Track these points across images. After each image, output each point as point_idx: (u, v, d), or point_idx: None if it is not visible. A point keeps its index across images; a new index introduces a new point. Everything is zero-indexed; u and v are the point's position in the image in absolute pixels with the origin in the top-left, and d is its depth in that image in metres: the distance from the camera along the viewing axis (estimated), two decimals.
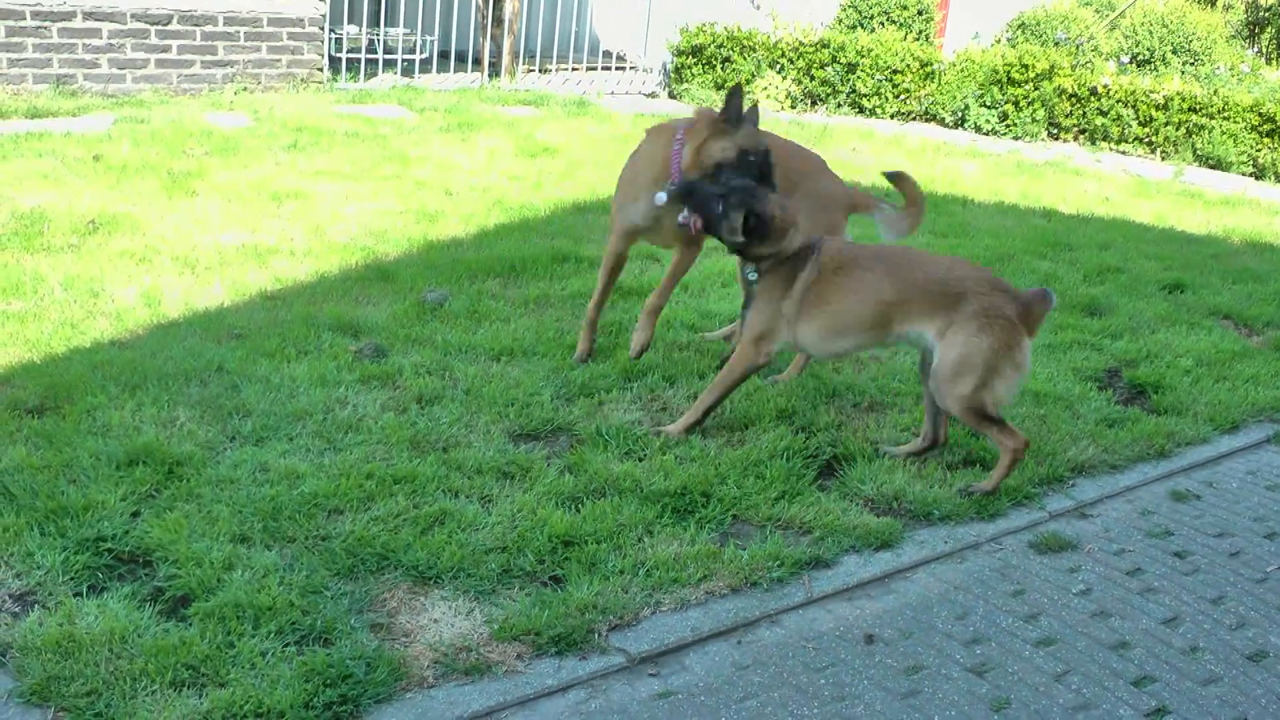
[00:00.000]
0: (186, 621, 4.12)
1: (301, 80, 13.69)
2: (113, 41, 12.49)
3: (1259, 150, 15.92)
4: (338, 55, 14.75)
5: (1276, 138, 15.88)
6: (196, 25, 12.86)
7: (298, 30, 13.54)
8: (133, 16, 12.52)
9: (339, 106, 13.04)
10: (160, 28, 12.68)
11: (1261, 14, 24.13)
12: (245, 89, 13.21)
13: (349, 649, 4.04)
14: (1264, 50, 23.49)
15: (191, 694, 3.78)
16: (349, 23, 15.15)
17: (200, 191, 9.25)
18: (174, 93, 12.78)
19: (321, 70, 13.96)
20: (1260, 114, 15.92)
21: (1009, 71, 16.78)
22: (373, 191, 9.85)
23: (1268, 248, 11.57)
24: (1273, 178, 15.84)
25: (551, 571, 4.67)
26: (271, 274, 7.64)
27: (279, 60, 13.48)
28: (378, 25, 15.45)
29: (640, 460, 5.59)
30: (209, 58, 13.01)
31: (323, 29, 13.92)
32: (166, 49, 12.77)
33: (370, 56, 15.09)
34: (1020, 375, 5.59)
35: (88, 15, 12.30)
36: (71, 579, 4.28)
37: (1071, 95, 16.77)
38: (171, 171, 9.65)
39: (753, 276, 5.85)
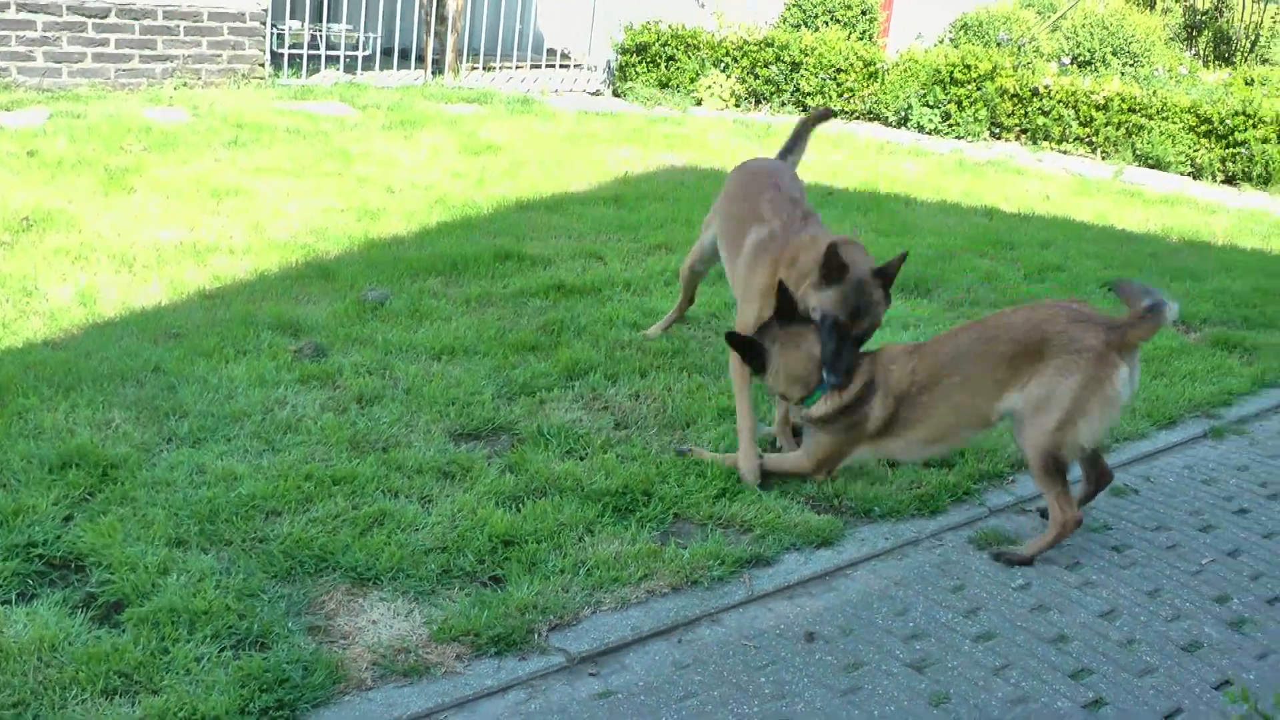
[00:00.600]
0: (119, 628, 4.05)
1: (243, 76, 13.59)
2: (48, 34, 12.33)
3: (1196, 150, 16.11)
4: (279, 51, 14.64)
5: (1213, 139, 16.08)
6: (135, 19, 12.72)
7: (239, 25, 13.43)
8: (69, 9, 12.37)
9: (280, 103, 12.95)
10: (97, 21, 12.53)
11: (1199, 18, 24.40)
12: (185, 84, 13.09)
13: (286, 652, 3.99)
14: (1201, 53, 23.74)
15: (124, 702, 3.71)
16: (291, 18, 15.03)
17: (138, 188, 9.16)
18: (111, 87, 12.64)
19: (263, 66, 13.86)
20: (1198, 115, 16.12)
21: (952, 71, 16.89)
22: (314, 189, 9.79)
23: (1205, 246, 11.70)
24: (1210, 177, 16.04)
25: (491, 571, 4.64)
26: (210, 272, 7.57)
27: (219, 55, 13.36)
28: (320, 21, 15.37)
29: (581, 459, 5.58)
30: (148, 52, 12.88)
31: (264, 24, 13.81)
32: (104, 43, 12.63)
33: (313, 52, 14.99)
34: (1112, 411, 5.19)
35: (21, 6, 12.14)
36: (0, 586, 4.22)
37: (1013, 95, 16.90)
38: (108, 168, 9.55)
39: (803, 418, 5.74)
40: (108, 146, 10.19)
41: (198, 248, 7.96)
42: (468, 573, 4.60)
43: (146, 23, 12.78)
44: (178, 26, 12.99)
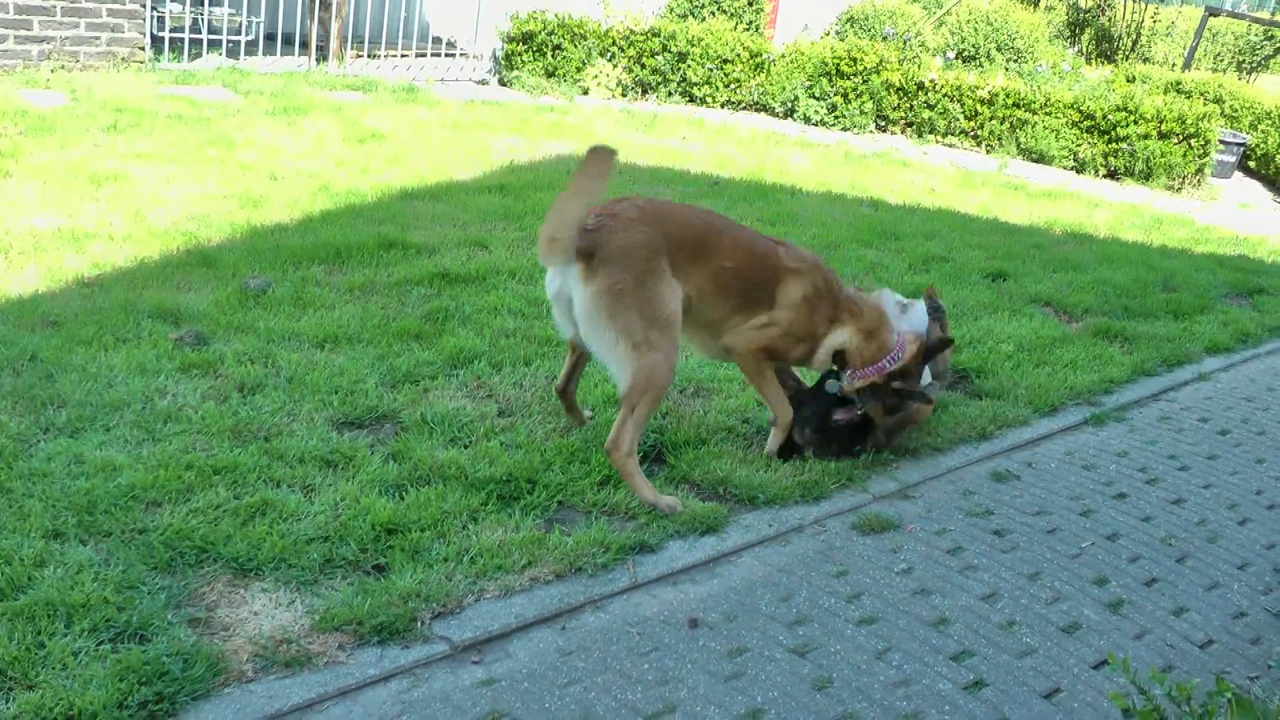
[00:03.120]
0: None
1: (122, 59, 13.31)
2: None
3: (1079, 145, 16.42)
4: (160, 34, 14.38)
5: (1096, 134, 16.40)
6: None
7: (118, 7, 13.14)
8: None
9: (162, 87, 12.73)
10: None
11: (1081, 15, 24.81)
12: (63, 67, 12.79)
13: (165, 645, 3.93)
14: (1084, 50, 24.15)
15: None
16: (172, 1, 14.78)
17: (13, 173, 8.95)
18: None
19: (143, 49, 13.58)
20: (1080, 111, 16.44)
21: (838, 64, 17.04)
22: (195, 175, 9.64)
23: (1087, 238, 11.93)
24: (1093, 172, 16.35)
25: (374, 560, 4.61)
26: (89, 259, 7.42)
27: (98, 38, 13.08)
28: (202, 4, 15.12)
29: (465, 447, 5.56)
30: (23, 33, 12.55)
31: (144, 6, 13.52)
32: None
33: (194, 36, 14.75)
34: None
35: None
36: None
37: (899, 89, 17.09)
38: None
39: None
40: None
41: (76, 234, 7.80)
42: (350, 562, 4.57)
43: (21, 2, 12.46)
44: (55, 7, 12.69)
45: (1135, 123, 16.22)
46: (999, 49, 20.51)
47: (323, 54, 15.79)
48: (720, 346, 5.87)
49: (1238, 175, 18.41)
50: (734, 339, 5.79)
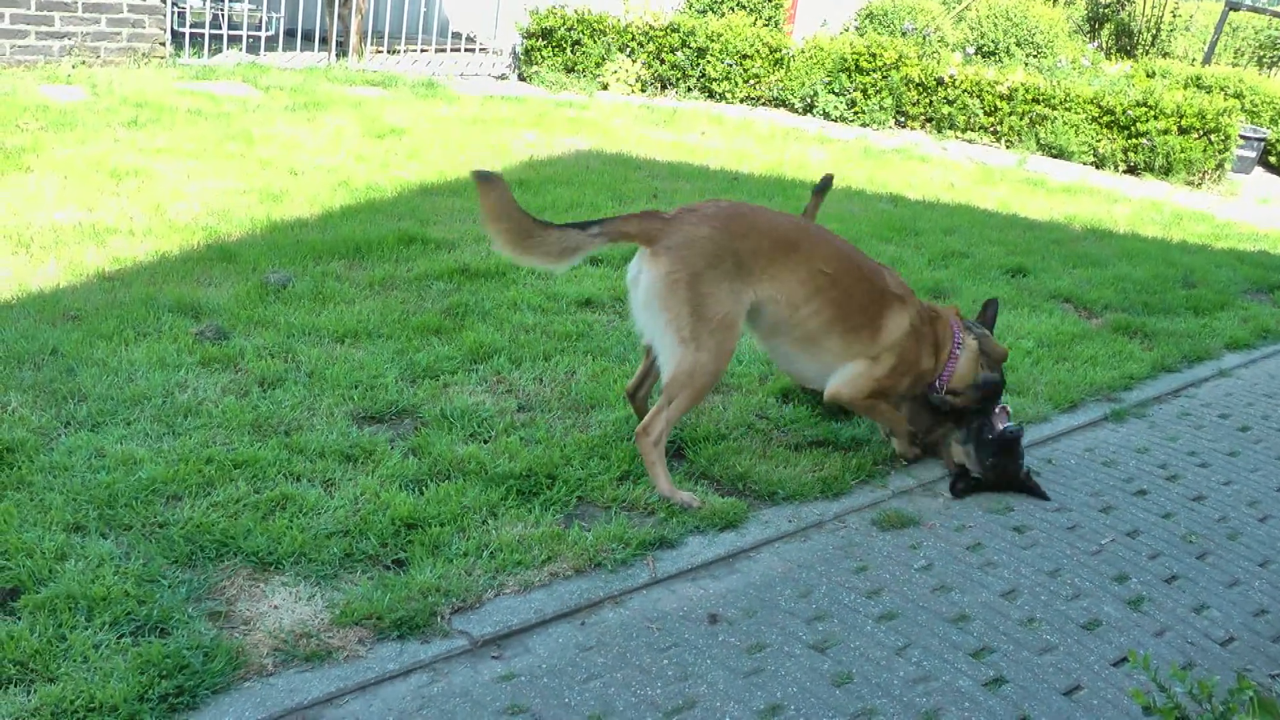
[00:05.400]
0: (15, 615, 3.97)
1: (143, 55, 13.34)
2: None
3: (1099, 140, 16.38)
4: (180, 30, 14.40)
5: (1115, 129, 16.36)
6: None
7: (139, 3, 13.18)
8: None
9: (182, 83, 12.76)
10: None
11: (1101, 10, 24.74)
12: (83, 62, 12.83)
13: (186, 639, 3.94)
14: (1104, 45, 24.08)
15: (19, 691, 3.65)
16: None
17: (34, 168, 8.98)
18: (6, 64, 12.35)
19: (164, 45, 13.62)
20: (1100, 106, 16.40)
21: (858, 60, 17.02)
22: (216, 170, 9.65)
23: (1106, 234, 11.90)
24: (1112, 167, 16.30)
25: (394, 555, 4.62)
26: (110, 254, 7.44)
27: (119, 33, 13.11)
28: (222, 0, 15.14)
29: (485, 442, 5.56)
30: (44, 29, 12.59)
31: (165, 2, 13.56)
32: None
33: (215, 32, 14.77)
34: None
35: None
36: None
37: (919, 84, 17.06)
38: (3, 146, 9.35)
39: None
40: (3, 125, 9.99)
41: (97, 229, 7.82)
42: (370, 556, 4.58)
43: None
44: (76, 3, 12.72)
45: (1155, 118, 16.17)
46: (1018, 44, 20.46)
47: (342, 50, 15.81)
48: (828, 393, 5.84)
49: (1258, 170, 18.35)
50: (841, 386, 5.78)
